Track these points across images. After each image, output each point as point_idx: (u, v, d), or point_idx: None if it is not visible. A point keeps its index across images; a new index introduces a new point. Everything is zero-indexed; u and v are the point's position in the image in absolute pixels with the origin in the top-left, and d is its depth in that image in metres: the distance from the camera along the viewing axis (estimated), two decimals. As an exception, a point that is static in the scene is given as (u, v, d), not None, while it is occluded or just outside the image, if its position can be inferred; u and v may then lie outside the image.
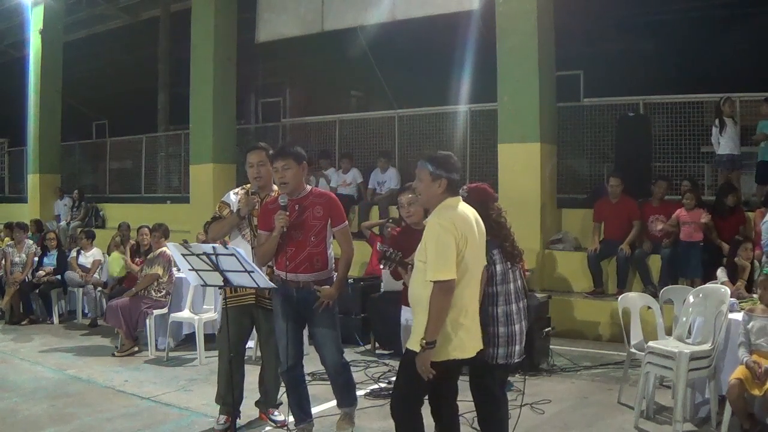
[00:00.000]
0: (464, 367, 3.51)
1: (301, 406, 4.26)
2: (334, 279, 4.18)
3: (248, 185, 4.59)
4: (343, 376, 4.24)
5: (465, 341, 3.31)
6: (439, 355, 3.22)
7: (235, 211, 4.49)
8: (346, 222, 4.29)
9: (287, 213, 4.00)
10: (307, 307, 4.08)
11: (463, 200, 3.67)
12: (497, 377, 3.66)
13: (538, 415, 4.78)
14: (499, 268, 3.57)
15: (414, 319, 3.29)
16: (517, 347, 3.58)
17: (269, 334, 4.49)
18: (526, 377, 4.69)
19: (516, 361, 3.62)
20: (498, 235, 3.63)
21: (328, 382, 5.17)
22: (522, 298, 3.69)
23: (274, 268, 4.18)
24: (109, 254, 9.07)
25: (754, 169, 7.80)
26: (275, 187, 4.55)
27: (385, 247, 4.07)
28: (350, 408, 4.36)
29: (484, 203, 3.67)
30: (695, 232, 7.06)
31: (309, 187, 4.25)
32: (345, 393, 4.31)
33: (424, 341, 3.15)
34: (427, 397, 3.56)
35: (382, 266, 4.19)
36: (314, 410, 4.45)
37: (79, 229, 10.76)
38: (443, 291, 3.14)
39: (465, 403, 3.97)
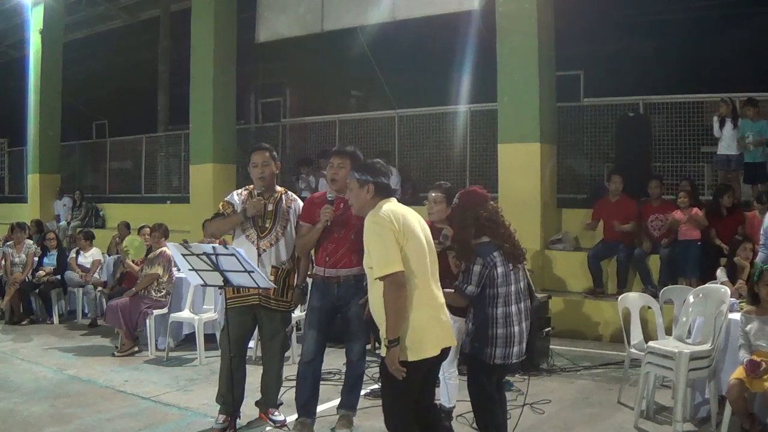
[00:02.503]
0: (462, 367, 3.50)
1: (306, 400, 4.30)
2: None
3: (251, 186, 4.59)
4: (361, 368, 4.40)
5: (438, 335, 3.25)
6: (416, 354, 3.15)
7: (239, 211, 4.49)
8: None
9: (333, 208, 4.16)
10: (346, 301, 4.24)
11: (454, 206, 3.69)
12: (494, 377, 3.66)
13: (538, 415, 4.77)
14: (500, 270, 3.55)
15: (381, 330, 3.22)
16: (516, 348, 3.57)
17: (271, 335, 4.52)
18: (529, 377, 4.70)
19: (514, 361, 3.61)
20: (496, 236, 3.62)
21: (329, 383, 5.21)
22: (524, 299, 3.68)
23: (314, 264, 4.33)
24: (109, 254, 9.08)
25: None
26: (278, 188, 4.58)
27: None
28: (350, 411, 4.42)
29: (473, 206, 3.67)
30: (691, 230, 7.07)
31: None
32: (353, 390, 4.40)
33: (387, 340, 3.11)
34: None
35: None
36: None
37: (78, 230, 10.76)
38: (394, 284, 3.09)
39: (465, 403, 3.98)
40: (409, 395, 3.25)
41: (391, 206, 3.29)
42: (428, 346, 3.19)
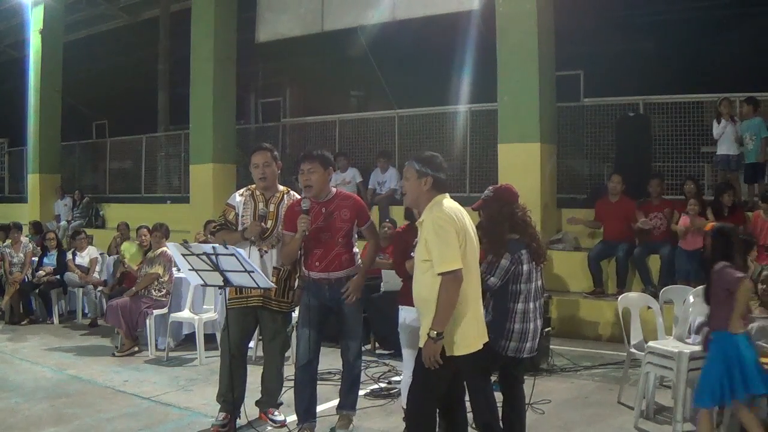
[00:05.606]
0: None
1: (308, 404, 4.30)
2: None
3: (253, 186, 4.60)
4: (357, 368, 4.41)
5: (482, 330, 3.39)
6: (460, 348, 3.26)
7: (239, 212, 4.51)
8: (372, 220, 4.49)
9: (309, 217, 4.10)
10: (338, 303, 4.24)
11: (487, 200, 3.74)
12: (498, 364, 3.75)
13: (538, 415, 4.77)
14: (525, 267, 3.67)
15: (423, 320, 3.31)
16: (529, 344, 3.71)
17: (273, 335, 4.53)
18: (535, 377, 4.71)
19: (525, 356, 3.73)
20: (525, 234, 3.73)
21: (329, 383, 5.21)
22: (540, 298, 3.82)
23: (304, 269, 4.31)
24: (109, 254, 9.08)
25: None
26: (281, 188, 4.59)
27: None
28: (350, 411, 4.43)
29: (509, 202, 3.77)
30: (696, 239, 6.93)
31: (334, 190, 4.37)
32: (351, 390, 4.40)
33: (435, 332, 3.17)
34: None
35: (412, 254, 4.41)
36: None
37: (73, 231, 10.75)
38: (454, 281, 3.17)
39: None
40: (439, 389, 3.37)
41: (450, 204, 3.36)
42: (473, 341, 3.31)
